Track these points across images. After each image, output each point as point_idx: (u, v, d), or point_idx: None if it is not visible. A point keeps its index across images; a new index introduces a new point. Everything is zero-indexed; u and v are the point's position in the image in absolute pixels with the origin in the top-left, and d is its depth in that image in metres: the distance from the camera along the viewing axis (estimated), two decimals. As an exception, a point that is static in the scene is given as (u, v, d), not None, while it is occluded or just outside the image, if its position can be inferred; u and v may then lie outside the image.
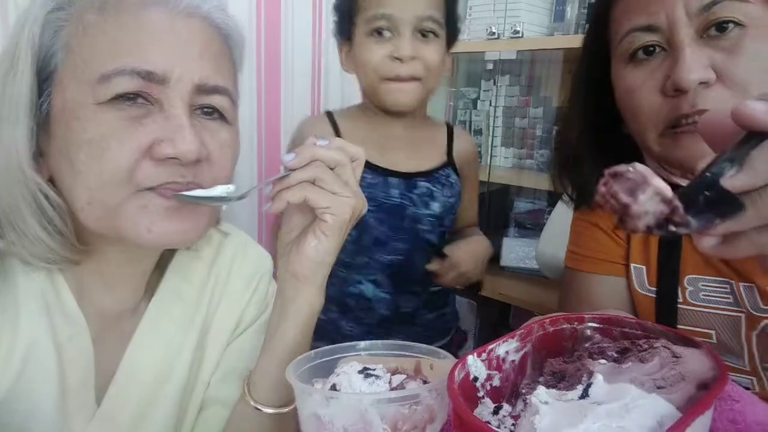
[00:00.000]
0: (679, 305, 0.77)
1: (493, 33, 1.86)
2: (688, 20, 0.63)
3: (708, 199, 0.36)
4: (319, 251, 0.60)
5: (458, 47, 2.03)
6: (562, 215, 1.59)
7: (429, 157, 1.16)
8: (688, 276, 0.77)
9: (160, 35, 0.54)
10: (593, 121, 0.78)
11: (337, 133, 1.11)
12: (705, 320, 0.76)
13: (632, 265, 0.82)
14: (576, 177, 0.83)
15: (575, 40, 1.73)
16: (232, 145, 0.61)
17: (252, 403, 0.62)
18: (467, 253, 1.15)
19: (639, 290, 0.81)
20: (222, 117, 0.60)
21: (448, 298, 1.29)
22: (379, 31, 1.03)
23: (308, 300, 0.62)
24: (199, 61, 0.56)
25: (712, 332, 0.76)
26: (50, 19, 0.54)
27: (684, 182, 0.70)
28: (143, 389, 0.64)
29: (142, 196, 0.54)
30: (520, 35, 1.81)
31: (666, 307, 0.78)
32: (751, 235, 0.36)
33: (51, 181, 0.57)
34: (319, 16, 1.68)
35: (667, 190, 0.39)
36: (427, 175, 1.15)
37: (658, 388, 0.40)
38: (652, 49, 0.67)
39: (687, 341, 0.48)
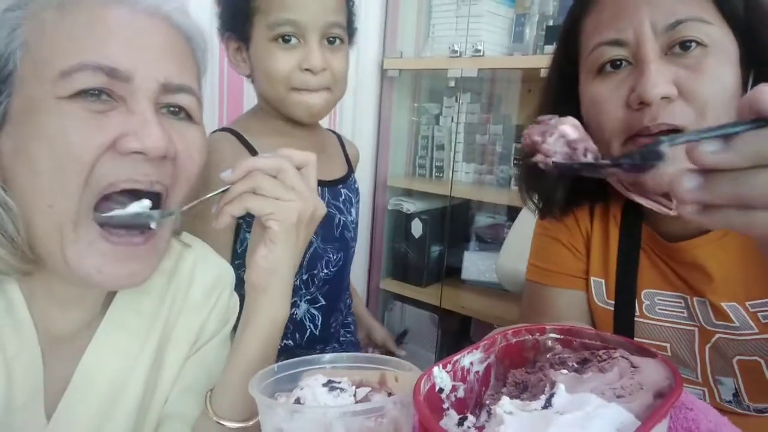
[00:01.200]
0: (636, 318, 0.80)
1: (456, 51, 1.90)
2: (655, 37, 0.65)
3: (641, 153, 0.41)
4: (269, 259, 0.60)
5: (421, 64, 2.08)
6: (521, 230, 1.62)
7: (338, 164, 1.16)
8: (645, 290, 0.79)
9: (122, 32, 0.54)
10: None
11: (248, 147, 1.03)
12: (660, 333, 0.79)
13: (592, 278, 0.84)
14: (541, 186, 0.84)
15: (533, 60, 1.80)
16: (199, 145, 0.61)
17: (214, 417, 0.60)
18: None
19: (598, 303, 0.83)
20: (189, 117, 0.59)
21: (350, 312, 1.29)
22: (284, 38, 0.95)
23: (268, 311, 0.61)
24: (163, 60, 0.55)
25: (667, 345, 0.78)
26: (5, 19, 0.53)
27: (643, 200, 0.73)
28: (96, 404, 0.62)
29: (92, 231, 0.53)
30: (481, 54, 1.85)
31: (623, 319, 0.80)
32: (727, 211, 0.38)
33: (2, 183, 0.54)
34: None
35: (572, 134, 0.52)
36: (344, 181, 1.14)
37: (618, 397, 0.42)
38: (618, 63, 0.69)
39: (644, 351, 0.50)
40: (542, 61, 1.74)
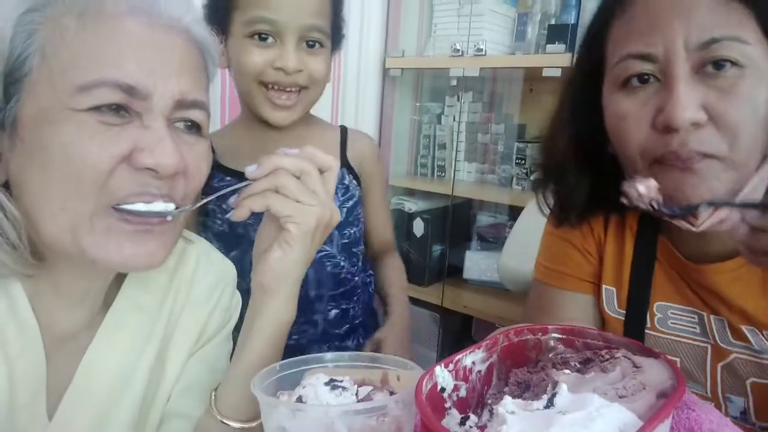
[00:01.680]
0: (646, 330, 0.78)
1: (458, 50, 1.90)
2: (686, 54, 0.61)
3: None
4: (284, 262, 0.60)
5: (423, 63, 2.08)
6: (523, 229, 1.62)
7: None
8: (657, 302, 0.78)
9: (141, 47, 0.53)
10: (579, 137, 0.77)
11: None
12: (671, 347, 0.77)
13: (604, 286, 0.82)
14: (560, 192, 0.81)
15: (535, 60, 1.80)
16: (208, 158, 0.61)
17: (218, 416, 0.60)
18: (398, 338, 1.08)
19: (608, 312, 0.81)
20: (198, 130, 0.59)
21: (353, 322, 1.17)
22: (260, 36, 0.94)
23: (276, 312, 0.61)
24: (179, 76, 0.55)
25: (677, 360, 0.77)
26: (24, 21, 0.52)
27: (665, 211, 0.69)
28: (98, 403, 0.62)
29: (109, 218, 0.53)
30: (483, 53, 1.85)
31: (634, 331, 0.78)
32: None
33: (4, 187, 0.54)
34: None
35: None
36: None
37: (620, 397, 0.42)
38: (646, 77, 0.65)
39: (646, 351, 0.50)
40: (544, 60, 1.75)
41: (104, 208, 0.53)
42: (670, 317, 0.77)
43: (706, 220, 0.64)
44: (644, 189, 0.62)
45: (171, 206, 0.56)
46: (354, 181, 1.12)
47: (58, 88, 0.51)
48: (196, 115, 0.58)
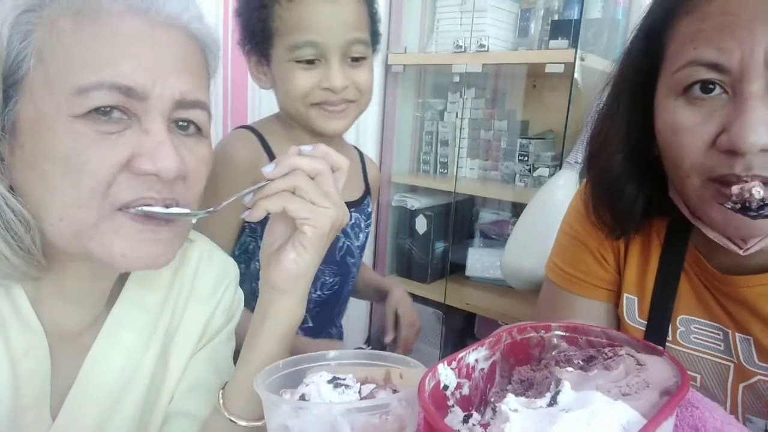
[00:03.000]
0: (667, 343, 0.75)
1: (460, 46, 1.89)
2: (765, 69, 0.54)
3: None
4: (299, 264, 0.60)
5: (426, 59, 2.08)
6: (526, 226, 1.62)
7: (355, 185, 1.11)
8: (681, 316, 0.75)
9: (139, 47, 0.52)
10: (636, 146, 0.70)
11: (267, 148, 1.01)
12: (692, 363, 0.74)
13: (625, 294, 0.79)
14: (618, 204, 0.74)
15: (538, 55, 1.79)
16: (208, 159, 0.60)
17: (227, 415, 0.60)
18: (409, 304, 1.17)
19: (628, 321, 0.79)
20: (198, 131, 0.59)
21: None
22: (305, 59, 0.93)
23: (287, 313, 0.61)
24: (179, 76, 0.54)
25: (698, 376, 0.74)
26: (20, 21, 0.51)
27: (711, 233, 0.65)
28: (101, 402, 0.62)
29: (116, 218, 0.52)
30: (486, 49, 1.84)
31: (654, 343, 0.75)
32: None
33: (11, 191, 0.53)
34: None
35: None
36: (357, 204, 1.10)
37: (624, 395, 0.41)
38: (712, 87, 0.57)
39: (650, 349, 0.49)
40: (547, 56, 1.75)
41: (109, 213, 0.52)
42: (693, 331, 0.74)
43: (756, 244, 0.61)
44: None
45: (186, 209, 0.56)
46: (371, 206, 1.16)
47: (55, 91, 0.50)
48: (196, 115, 0.57)
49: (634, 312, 0.78)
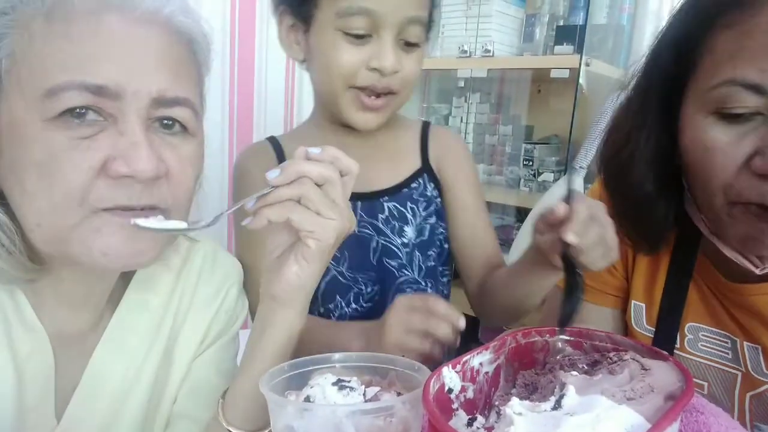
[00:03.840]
0: (675, 350, 0.75)
1: (465, 51, 1.90)
2: None
3: None
4: (301, 277, 0.57)
5: (431, 64, 2.08)
6: (531, 231, 1.61)
7: (396, 168, 0.91)
8: (689, 323, 0.74)
9: (113, 45, 0.50)
10: (663, 163, 0.67)
11: (282, 161, 0.88)
12: (699, 371, 0.74)
13: (633, 301, 0.79)
14: (647, 222, 0.71)
15: (543, 61, 1.80)
16: (195, 159, 0.58)
17: (225, 425, 0.59)
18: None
19: (636, 328, 0.78)
20: (184, 129, 0.56)
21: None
22: (354, 30, 0.79)
23: (287, 323, 0.59)
24: (156, 72, 0.52)
25: (705, 384, 0.74)
26: None
27: (727, 250, 0.65)
28: (106, 404, 0.62)
29: (96, 218, 0.51)
30: (491, 54, 1.84)
31: (662, 350, 0.76)
32: None
33: None
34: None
35: None
36: (394, 192, 0.89)
37: (628, 399, 0.41)
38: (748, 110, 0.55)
39: (654, 353, 0.49)
40: (552, 61, 1.75)
41: (89, 215, 0.51)
42: (701, 339, 0.73)
43: None
44: None
45: (183, 224, 0.54)
46: (435, 190, 0.92)
47: (27, 95, 0.49)
48: (179, 113, 0.55)
49: (642, 319, 0.78)
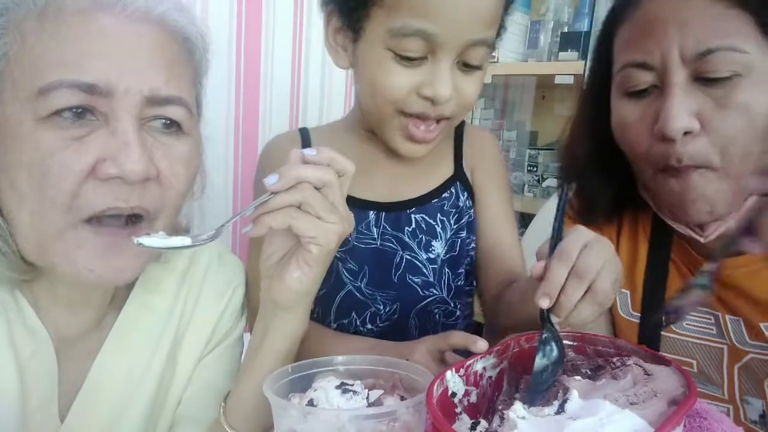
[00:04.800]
0: (662, 332, 0.78)
1: (470, 57, 1.91)
2: (683, 64, 0.62)
3: None
4: (303, 282, 0.57)
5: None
6: (535, 236, 1.61)
7: (426, 177, 0.83)
8: None
9: (104, 43, 0.50)
10: (600, 140, 0.77)
11: None
12: (687, 349, 0.77)
13: None
14: (585, 194, 0.81)
15: (548, 67, 1.80)
16: (188, 159, 0.57)
17: (228, 428, 0.59)
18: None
19: (622, 315, 0.81)
20: (179, 128, 0.56)
21: None
22: (408, 56, 0.68)
23: (289, 328, 0.60)
24: (148, 71, 0.52)
25: (694, 362, 0.76)
26: None
27: (673, 223, 0.72)
28: (109, 405, 0.62)
29: (79, 232, 0.51)
30: (496, 60, 1.85)
31: (649, 333, 0.78)
32: None
33: None
34: (299, 30, 1.69)
35: None
36: (423, 203, 0.81)
37: (631, 404, 0.41)
38: (645, 87, 0.66)
39: (657, 359, 0.49)
40: (557, 67, 1.76)
41: (75, 224, 0.51)
42: (686, 319, 0.77)
43: (714, 232, 0.66)
44: None
45: (187, 240, 0.53)
46: (469, 200, 0.84)
47: (20, 94, 0.49)
48: (173, 112, 0.54)
49: (628, 305, 0.81)
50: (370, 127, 0.80)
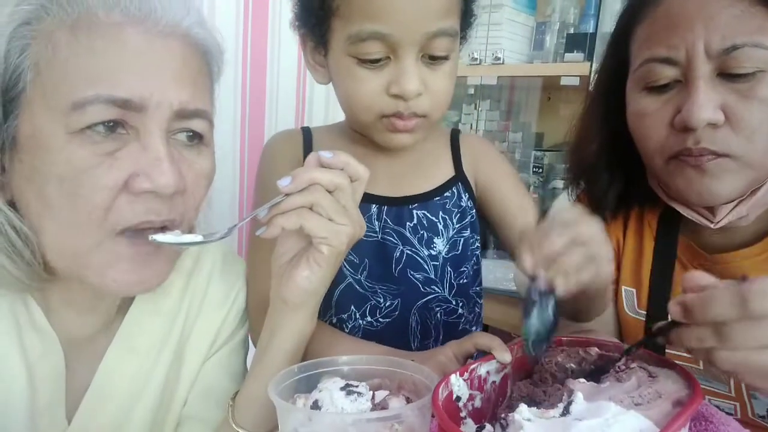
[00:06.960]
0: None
1: (476, 59, 1.90)
2: (707, 59, 0.63)
3: None
4: (312, 281, 0.58)
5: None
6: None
7: (426, 174, 0.84)
8: None
9: (137, 58, 0.51)
10: (609, 136, 0.79)
11: (309, 151, 0.82)
12: None
13: (623, 287, 0.82)
14: (592, 191, 0.83)
15: (553, 68, 1.79)
16: (209, 171, 0.59)
17: (235, 427, 0.60)
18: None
19: (628, 313, 0.81)
20: (200, 140, 0.58)
21: None
22: (369, 56, 0.70)
23: (297, 327, 0.60)
24: (178, 85, 0.53)
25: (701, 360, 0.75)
26: (17, 35, 0.50)
27: (684, 210, 0.72)
28: (116, 406, 0.63)
29: (113, 245, 0.52)
30: (501, 62, 1.85)
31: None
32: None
33: (11, 203, 0.53)
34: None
35: None
36: (424, 200, 0.82)
37: (636, 405, 0.41)
38: (667, 83, 0.67)
39: (661, 362, 0.49)
40: (562, 69, 1.75)
41: (108, 238, 0.52)
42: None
43: (724, 217, 0.67)
44: None
45: (199, 237, 0.55)
46: (470, 201, 0.85)
47: (52, 106, 0.49)
48: (197, 124, 0.56)
49: (633, 303, 0.81)
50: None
